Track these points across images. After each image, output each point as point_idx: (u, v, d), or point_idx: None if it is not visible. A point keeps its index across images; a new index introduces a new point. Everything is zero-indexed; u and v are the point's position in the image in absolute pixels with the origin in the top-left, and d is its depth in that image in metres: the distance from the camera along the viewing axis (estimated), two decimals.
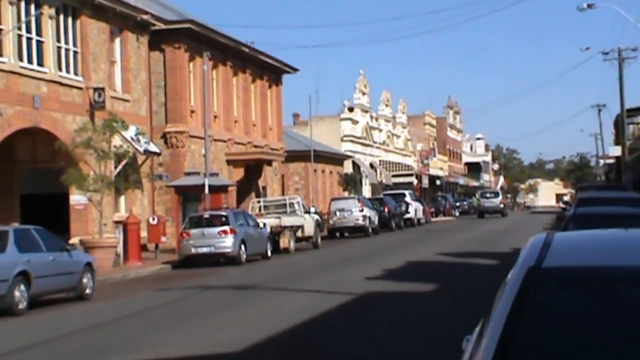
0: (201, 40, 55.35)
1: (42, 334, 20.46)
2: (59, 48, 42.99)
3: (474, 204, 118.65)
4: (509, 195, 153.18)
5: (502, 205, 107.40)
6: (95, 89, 44.36)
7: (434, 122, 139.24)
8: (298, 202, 53.94)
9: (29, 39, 40.77)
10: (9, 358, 17.31)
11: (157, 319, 22.69)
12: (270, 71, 69.38)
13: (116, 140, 41.22)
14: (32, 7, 40.71)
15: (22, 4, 40.01)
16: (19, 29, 39.79)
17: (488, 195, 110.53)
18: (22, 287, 24.43)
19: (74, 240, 37.99)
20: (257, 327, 19.00)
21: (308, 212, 54.12)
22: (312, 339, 18.15)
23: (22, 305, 24.26)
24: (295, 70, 73.12)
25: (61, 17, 43.20)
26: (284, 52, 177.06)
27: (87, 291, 27.79)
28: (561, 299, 4.87)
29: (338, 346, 17.28)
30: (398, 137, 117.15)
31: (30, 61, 40.73)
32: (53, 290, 26.67)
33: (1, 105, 38.01)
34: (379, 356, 16.26)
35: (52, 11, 42.22)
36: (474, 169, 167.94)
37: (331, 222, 61.71)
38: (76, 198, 41.81)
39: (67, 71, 43.58)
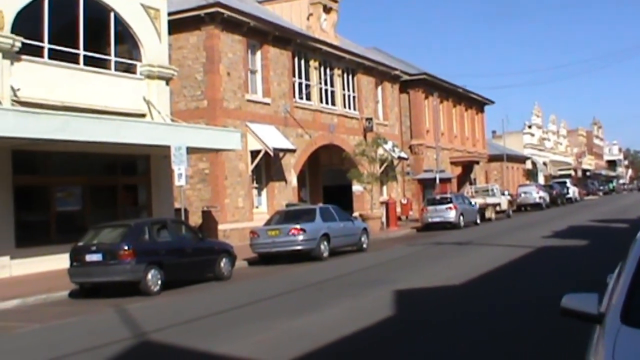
0: (432, 85, 55.45)
1: (337, 271, 20.76)
2: (344, 94, 44.06)
3: (611, 187, 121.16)
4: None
5: None
6: (366, 119, 45.28)
7: (584, 134, 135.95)
8: (496, 188, 53.21)
9: (326, 90, 42.05)
10: (326, 283, 18.01)
11: (406, 262, 22.63)
12: (476, 103, 68.52)
13: (380, 151, 41.70)
14: (328, 70, 42.08)
15: (321, 69, 41.43)
16: (320, 84, 41.27)
17: None
18: (325, 243, 25.16)
19: (356, 214, 38.80)
20: (470, 268, 18.86)
21: (503, 194, 53.50)
22: (509, 271, 18.12)
23: (325, 254, 25.04)
24: (492, 102, 71.91)
25: (345, 75, 44.28)
26: (485, 91, 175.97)
27: (364, 246, 28.03)
28: None
29: (529, 270, 17.57)
30: (561, 144, 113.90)
31: (327, 103, 41.96)
32: (343, 245, 26.94)
33: (310, 130, 39.41)
34: (553, 272, 16.82)
35: (340, 72, 43.38)
36: (612, 164, 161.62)
37: (518, 200, 59.78)
38: (356, 188, 42.82)
39: (349, 108, 44.58)
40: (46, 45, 23.52)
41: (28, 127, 19.65)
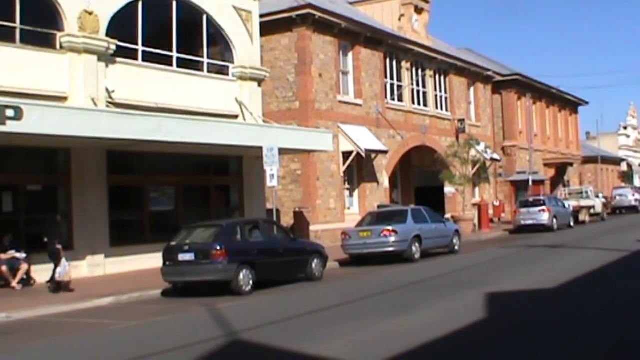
0: (525, 86, 54.55)
1: (429, 273, 20.41)
2: (436, 95, 43.65)
3: None
4: None
5: None
6: (458, 120, 44.88)
7: None
8: (590, 190, 52.19)
9: (418, 91, 41.72)
10: (418, 285, 17.68)
11: (498, 265, 22.19)
12: (570, 104, 67.20)
13: (472, 152, 41.27)
14: (420, 71, 41.69)
15: (413, 70, 41.07)
16: (412, 85, 40.92)
17: None
18: (417, 244, 24.81)
19: (447, 215, 38.21)
20: (564, 271, 18.31)
21: (597, 196, 52.25)
22: (603, 275, 17.56)
23: (417, 256, 24.65)
24: (587, 103, 70.67)
25: (437, 76, 43.83)
26: (579, 91, 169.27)
27: (456, 248, 27.58)
28: None
29: (624, 274, 17.12)
30: None
31: (419, 104, 41.70)
32: (434, 247, 26.59)
33: (402, 132, 39.20)
34: None
35: (432, 72, 43.01)
36: None
37: (613, 203, 58.76)
38: (448, 189, 42.33)
39: (441, 109, 44.19)
40: (140, 47, 23.88)
41: (122, 128, 19.91)
